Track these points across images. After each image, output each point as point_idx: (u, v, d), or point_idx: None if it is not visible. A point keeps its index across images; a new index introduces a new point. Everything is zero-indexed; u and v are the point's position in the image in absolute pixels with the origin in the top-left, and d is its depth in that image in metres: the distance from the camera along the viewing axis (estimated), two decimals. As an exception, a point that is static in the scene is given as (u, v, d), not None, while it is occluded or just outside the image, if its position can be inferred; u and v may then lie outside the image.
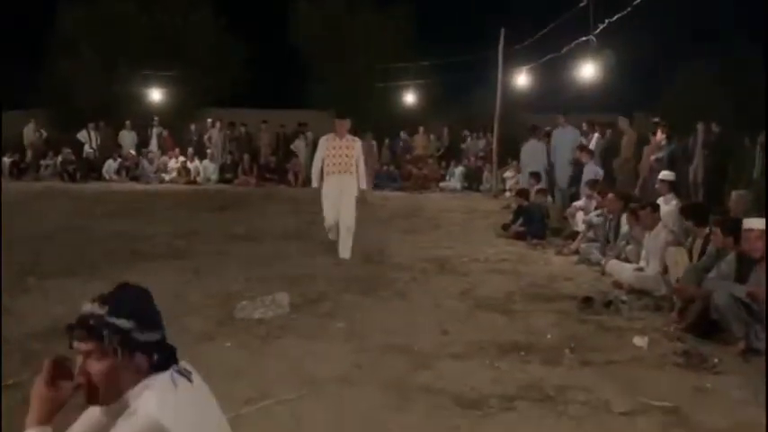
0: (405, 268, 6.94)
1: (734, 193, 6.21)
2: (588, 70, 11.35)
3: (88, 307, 1.67)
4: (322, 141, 7.61)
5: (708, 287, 4.75)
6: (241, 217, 10.45)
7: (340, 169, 7.35)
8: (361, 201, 7.88)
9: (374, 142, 16.39)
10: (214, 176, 16.63)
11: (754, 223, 4.59)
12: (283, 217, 10.37)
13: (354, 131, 7.86)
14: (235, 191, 14.93)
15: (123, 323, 1.64)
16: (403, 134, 18.31)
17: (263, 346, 4.40)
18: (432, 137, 18.36)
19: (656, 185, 7.64)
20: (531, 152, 11.94)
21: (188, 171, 16.61)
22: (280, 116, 19.32)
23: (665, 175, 7.49)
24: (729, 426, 3.32)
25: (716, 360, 4.23)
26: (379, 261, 7.31)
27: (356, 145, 7.50)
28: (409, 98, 19.28)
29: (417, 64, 18.70)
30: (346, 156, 7.39)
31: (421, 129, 17.89)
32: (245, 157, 16.79)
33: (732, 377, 4.00)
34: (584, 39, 10.33)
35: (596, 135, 10.87)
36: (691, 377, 3.99)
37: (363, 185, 7.67)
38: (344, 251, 7.26)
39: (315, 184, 7.59)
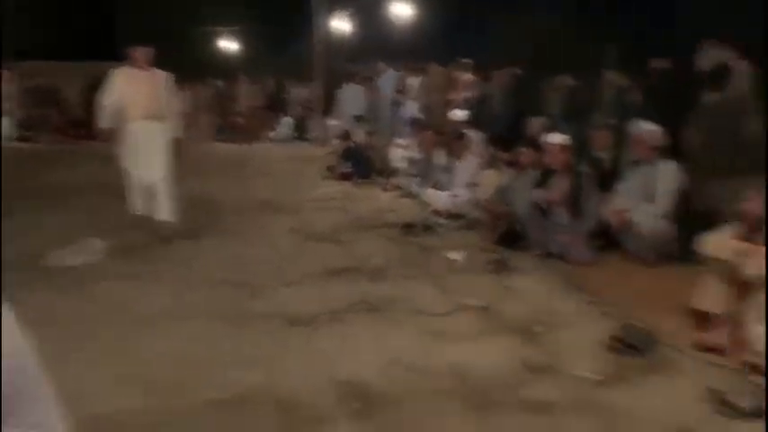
0: (235, 212, 6.88)
1: (531, 119, 6.94)
2: (402, 9, 11.69)
3: None
4: (113, 76, 5.69)
5: (512, 203, 5.29)
6: (51, 174, 9.52)
7: (145, 113, 5.67)
8: (177, 153, 5.99)
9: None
10: (12, 134, 14.86)
11: (555, 138, 5.16)
12: (97, 172, 9.58)
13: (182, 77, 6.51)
14: (40, 148, 13.51)
15: None
16: (220, 83, 17.53)
17: (79, 291, 4.13)
18: (256, 86, 17.86)
19: (457, 123, 8.19)
20: (350, 95, 12.22)
21: (-22, 130, 14.67)
22: (89, 68, 17.52)
23: (458, 115, 8.14)
24: (529, 312, 3.84)
25: (519, 264, 4.77)
26: (210, 208, 7.11)
27: (163, 78, 5.80)
28: (229, 45, 18.57)
29: (237, 10, 18.01)
30: (148, 95, 5.67)
31: (243, 77, 17.31)
32: (51, 112, 15.20)
33: (532, 276, 4.57)
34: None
35: (413, 78, 11.33)
36: (499, 280, 4.47)
37: (178, 133, 5.94)
38: (163, 212, 5.86)
39: (103, 126, 5.71)
